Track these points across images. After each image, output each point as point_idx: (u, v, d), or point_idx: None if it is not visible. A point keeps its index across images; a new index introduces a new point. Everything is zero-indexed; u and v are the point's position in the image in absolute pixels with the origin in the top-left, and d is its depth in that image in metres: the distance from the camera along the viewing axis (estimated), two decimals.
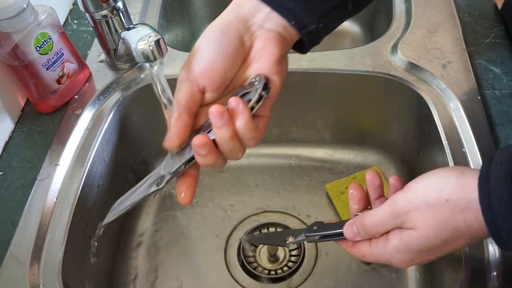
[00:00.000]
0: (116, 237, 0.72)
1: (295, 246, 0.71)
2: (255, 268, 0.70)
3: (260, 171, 0.81)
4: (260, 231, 0.73)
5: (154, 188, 0.46)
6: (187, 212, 0.76)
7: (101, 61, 0.73)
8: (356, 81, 0.71)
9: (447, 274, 0.59)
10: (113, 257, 0.70)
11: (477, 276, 0.50)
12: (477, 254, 0.52)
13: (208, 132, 0.42)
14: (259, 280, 0.69)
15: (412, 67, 0.68)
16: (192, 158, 0.43)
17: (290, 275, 0.69)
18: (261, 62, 0.42)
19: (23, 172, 0.61)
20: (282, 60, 0.43)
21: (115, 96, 0.69)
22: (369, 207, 0.47)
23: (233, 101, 0.40)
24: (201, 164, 0.43)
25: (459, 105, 0.63)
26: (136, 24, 0.42)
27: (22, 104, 0.68)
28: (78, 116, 0.66)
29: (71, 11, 0.82)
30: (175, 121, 0.42)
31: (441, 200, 0.38)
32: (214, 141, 0.41)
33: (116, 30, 0.67)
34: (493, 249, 0.51)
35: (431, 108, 0.65)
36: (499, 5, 0.76)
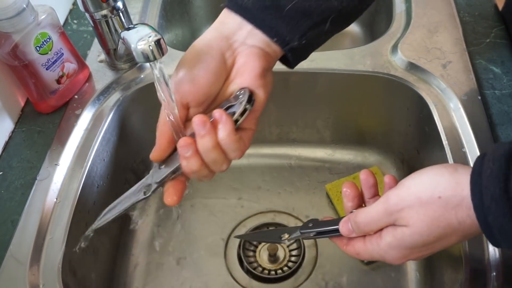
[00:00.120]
0: (116, 237, 0.72)
1: (295, 246, 0.71)
2: (255, 268, 0.70)
3: (260, 171, 0.81)
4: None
5: (141, 196, 0.47)
6: (187, 213, 0.76)
7: (101, 61, 0.73)
8: (356, 81, 0.71)
9: (447, 274, 0.59)
10: (113, 257, 0.70)
11: (477, 276, 0.50)
12: (477, 254, 0.52)
13: None
14: (259, 280, 0.69)
15: (412, 67, 0.68)
16: (178, 169, 0.44)
17: (290, 275, 0.69)
18: (244, 77, 0.43)
19: (23, 172, 0.61)
20: (265, 74, 0.44)
21: (115, 96, 0.69)
22: (363, 204, 0.47)
23: (216, 113, 0.41)
24: (186, 171, 0.44)
25: (459, 105, 0.63)
26: (136, 24, 0.42)
27: (22, 104, 0.68)
28: (78, 116, 0.66)
29: (71, 11, 0.82)
30: (160, 137, 0.44)
31: (434, 197, 0.38)
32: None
33: (116, 30, 0.67)
34: (493, 249, 0.51)
35: (431, 108, 0.64)
36: (499, 5, 0.75)
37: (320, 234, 0.48)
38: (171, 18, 0.88)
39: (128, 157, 0.74)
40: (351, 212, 0.46)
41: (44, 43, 0.62)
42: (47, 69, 0.63)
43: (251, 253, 0.71)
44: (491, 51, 0.69)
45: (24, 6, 0.58)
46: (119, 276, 0.70)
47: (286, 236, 0.51)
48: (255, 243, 0.72)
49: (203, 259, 0.71)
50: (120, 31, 0.67)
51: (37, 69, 0.62)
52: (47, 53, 0.63)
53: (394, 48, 0.71)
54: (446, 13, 0.75)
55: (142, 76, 0.71)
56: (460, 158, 0.59)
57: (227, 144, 0.41)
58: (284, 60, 0.47)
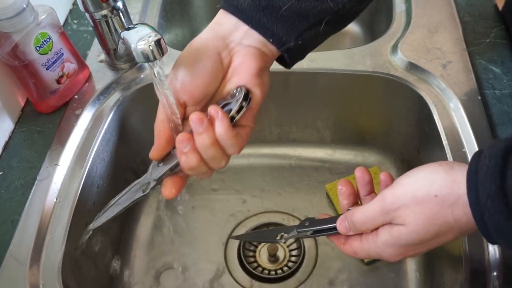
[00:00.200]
0: (116, 237, 0.72)
1: (295, 246, 0.71)
2: (255, 268, 0.70)
3: (260, 172, 0.81)
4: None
5: (140, 194, 0.48)
6: (186, 213, 0.76)
7: (101, 61, 0.73)
8: (356, 81, 0.71)
9: (447, 274, 0.59)
10: (113, 257, 0.70)
11: (477, 276, 0.50)
12: (477, 254, 0.51)
13: None
14: (259, 280, 0.69)
15: (412, 67, 0.68)
16: (177, 165, 0.45)
17: (290, 275, 0.69)
18: (241, 76, 0.44)
19: (23, 172, 0.61)
20: (262, 73, 0.44)
21: (115, 96, 0.69)
22: (359, 202, 0.47)
23: (212, 109, 0.41)
24: (185, 167, 0.44)
25: (459, 105, 0.63)
26: (136, 24, 0.42)
27: (22, 104, 0.68)
28: (78, 116, 0.66)
29: (71, 11, 0.82)
30: (158, 136, 0.45)
31: (430, 195, 0.38)
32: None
33: (116, 30, 0.67)
34: (493, 249, 0.51)
35: (431, 108, 0.64)
36: (499, 5, 0.75)
37: (317, 232, 0.48)
38: (171, 18, 0.88)
39: (128, 157, 0.74)
40: (348, 209, 0.46)
41: (44, 43, 0.62)
42: (47, 69, 0.63)
43: (251, 253, 0.71)
44: (491, 51, 0.69)
45: (24, 6, 0.58)
46: (119, 276, 0.70)
47: (284, 235, 0.51)
48: (255, 243, 0.72)
49: (203, 259, 0.71)
50: (120, 31, 0.67)
51: (37, 69, 0.62)
52: (47, 53, 0.63)
53: (394, 48, 0.71)
54: (446, 13, 0.75)
55: (142, 76, 0.71)
56: (460, 158, 0.59)
57: (225, 140, 0.42)
58: (281, 60, 0.47)
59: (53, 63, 0.64)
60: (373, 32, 0.95)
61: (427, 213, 0.39)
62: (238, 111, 0.42)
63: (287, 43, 0.44)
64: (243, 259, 0.70)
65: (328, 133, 0.80)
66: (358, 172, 0.46)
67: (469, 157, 0.59)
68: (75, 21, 0.80)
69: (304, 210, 0.75)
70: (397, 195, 0.40)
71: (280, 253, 0.71)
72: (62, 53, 0.65)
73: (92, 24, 0.66)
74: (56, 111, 0.67)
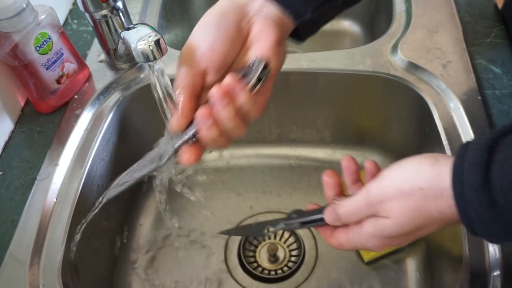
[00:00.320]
0: (116, 237, 0.71)
1: (295, 246, 0.71)
2: (255, 268, 0.70)
3: (261, 172, 0.81)
4: None
5: (155, 165, 0.47)
6: (186, 213, 0.76)
7: (101, 61, 0.73)
8: (356, 81, 0.71)
9: (447, 274, 0.59)
10: (113, 257, 0.70)
11: (477, 276, 0.50)
12: (477, 254, 0.51)
13: None
14: (259, 280, 0.69)
15: (412, 67, 0.68)
16: (194, 136, 0.44)
17: (290, 275, 0.69)
18: (260, 45, 0.43)
19: (23, 172, 0.61)
20: (280, 44, 0.44)
21: (115, 96, 0.69)
22: (344, 192, 0.48)
23: (233, 80, 0.41)
24: (204, 139, 0.43)
25: (459, 105, 0.63)
26: (136, 24, 0.42)
27: (22, 104, 0.68)
28: (78, 116, 0.66)
29: (71, 11, 0.82)
30: (180, 105, 0.43)
31: (415, 188, 0.39)
32: None
33: (116, 30, 0.67)
34: (493, 249, 0.51)
35: (431, 108, 0.64)
36: (499, 5, 0.75)
37: (304, 224, 0.48)
38: (171, 18, 0.88)
39: (128, 157, 0.74)
40: (334, 200, 0.46)
41: (44, 43, 0.62)
42: (47, 69, 0.63)
43: (251, 253, 0.71)
44: (491, 51, 0.69)
45: (24, 6, 0.58)
46: (119, 276, 0.70)
47: (271, 229, 0.51)
48: (255, 243, 0.72)
49: (203, 259, 0.71)
50: (120, 31, 0.67)
51: (37, 69, 0.62)
52: (47, 53, 0.63)
53: (394, 48, 0.71)
54: (446, 13, 0.75)
55: (142, 76, 0.71)
56: None
57: (246, 110, 0.42)
58: (294, 35, 0.47)
59: (53, 63, 0.64)
60: (373, 32, 0.95)
61: (412, 206, 0.39)
62: (257, 81, 0.42)
63: (304, 15, 0.44)
64: (243, 259, 0.70)
65: (328, 133, 0.80)
66: (345, 161, 0.47)
67: None
68: (75, 21, 0.80)
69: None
70: (382, 188, 0.41)
71: (280, 253, 0.71)
72: (62, 53, 0.65)
73: (92, 24, 0.66)
74: (56, 111, 0.67)
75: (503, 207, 0.34)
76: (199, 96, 0.44)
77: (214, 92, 0.41)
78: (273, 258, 0.70)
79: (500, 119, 0.61)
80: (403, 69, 0.69)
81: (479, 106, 0.63)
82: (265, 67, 0.42)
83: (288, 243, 0.72)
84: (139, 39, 0.40)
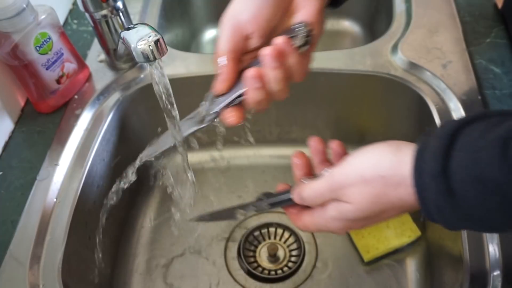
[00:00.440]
0: (116, 237, 0.72)
1: (295, 246, 0.71)
2: (255, 268, 0.70)
3: (261, 171, 0.81)
4: (260, 231, 0.73)
5: (197, 126, 0.47)
6: (186, 212, 0.76)
7: (101, 61, 0.73)
8: (356, 81, 0.71)
9: (447, 274, 0.59)
10: (113, 257, 0.70)
11: (477, 276, 0.50)
12: (477, 254, 0.51)
13: None
14: (259, 280, 0.69)
15: (413, 67, 0.68)
16: (237, 98, 0.44)
17: (290, 275, 0.69)
18: (304, 11, 0.44)
19: (23, 172, 0.61)
20: (322, 12, 0.45)
21: (115, 96, 0.69)
22: (312, 173, 0.49)
23: (284, 42, 0.42)
24: (251, 99, 0.44)
25: (459, 105, 0.63)
26: (136, 24, 0.42)
27: (22, 104, 0.68)
28: (78, 116, 0.66)
29: (71, 11, 0.82)
30: (224, 67, 0.44)
31: (376, 176, 0.39)
32: None
33: (116, 30, 0.67)
34: (493, 249, 0.51)
35: (431, 108, 0.64)
36: (499, 5, 0.75)
37: (273, 205, 0.50)
38: (171, 18, 0.88)
39: (128, 157, 0.74)
40: (301, 180, 0.47)
41: (44, 43, 0.62)
42: (47, 69, 0.63)
43: (251, 253, 0.71)
44: (491, 51, 0.69)
45: (24, 6, 0.58)
46: (119, 276, 0.70)
47: (241, 212, 0.52)
48: (255, 243, 0.72)
49: (203, 259, 0.71)
50: (120, 31, 0.67)
51: (37, 69, 0.62)
52: (47, 53, 0.63)
53: (394, 48, 0.71)
54: (446, 13, 0.75)
55: (142, 76, 0.71)
56: None
57: (293, 71, 0.43)
58: (331, 2, 0.48)
59: (53, 63, 0.64)
60: (373, 32, 0.95)
61: (373, 193, 0.40)
62: (304, 44, 0.43)
63: None
64: (243, 259, 0.70)
65: (328, 133, 0.80)
66: (312, 142, 0.48)
67: None
68: (75, 21, 0.80)
69: None
70: (344, 174, 0.42)
71: (280, 253, 0.71)
72: (62, 53, 0.65)
73: (92, 24, 0.66)
74: (56, 111, 0.67)
75: (460, 195, 0.35)
76: (240, 60, 0.45)
77: (267, 53, 0.41)
78: (273, 258, 0.70)
79: None
80: (403, 69, 0.69)
81: (479, 106, 0.63)
82: (310, 30, 0.43)
83: (288, 243, 0.72)
84: (139, 39, 0.40)
